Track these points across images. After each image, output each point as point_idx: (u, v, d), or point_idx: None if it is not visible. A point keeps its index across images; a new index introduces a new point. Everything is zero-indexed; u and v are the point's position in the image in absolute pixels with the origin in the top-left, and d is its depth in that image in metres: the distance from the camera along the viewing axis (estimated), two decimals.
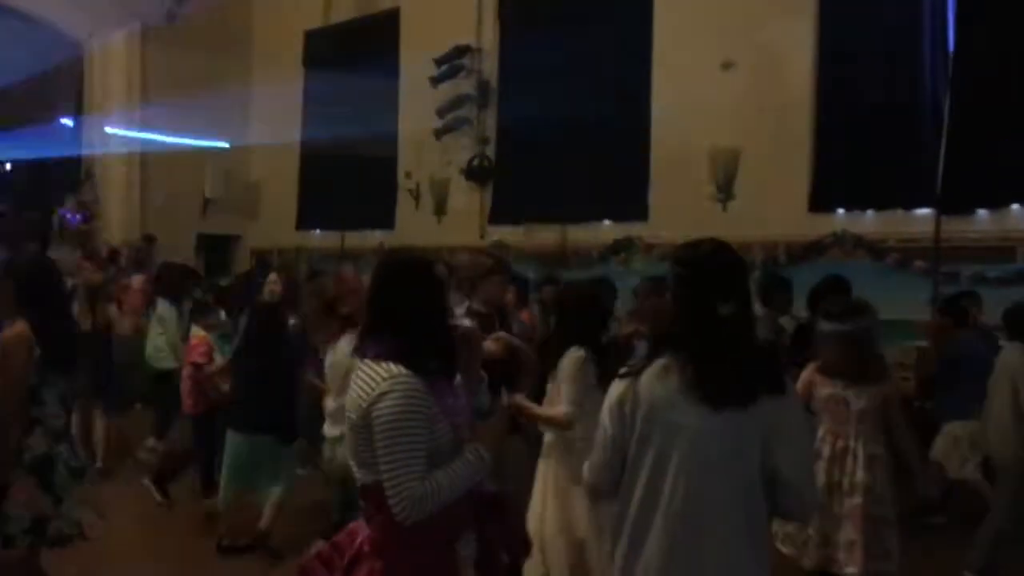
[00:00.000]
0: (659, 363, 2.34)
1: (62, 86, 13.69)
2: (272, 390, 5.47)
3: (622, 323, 6.45)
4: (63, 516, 3.59)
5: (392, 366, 2.31)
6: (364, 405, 2.30)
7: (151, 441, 7.73)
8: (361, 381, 2.34)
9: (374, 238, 12.81)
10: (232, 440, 5.50)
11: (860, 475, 3.97)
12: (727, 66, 9.41)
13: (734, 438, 2.27)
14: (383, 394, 2.28)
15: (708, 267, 2.36)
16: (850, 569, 3.94)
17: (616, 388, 2.41)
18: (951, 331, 6.70)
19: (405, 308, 2.41)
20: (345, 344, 4.60)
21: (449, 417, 2.37)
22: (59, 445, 3.62)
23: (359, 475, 2.36)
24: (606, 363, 3.87)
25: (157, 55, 13.38)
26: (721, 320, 2.30)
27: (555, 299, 4.92)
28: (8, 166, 12.95)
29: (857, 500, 3.95)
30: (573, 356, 3.87)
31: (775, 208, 9.09)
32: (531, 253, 11.13)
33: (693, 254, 2.41)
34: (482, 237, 11.80)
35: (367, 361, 2.37)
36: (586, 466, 2.49)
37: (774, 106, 9.19)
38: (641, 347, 5.68)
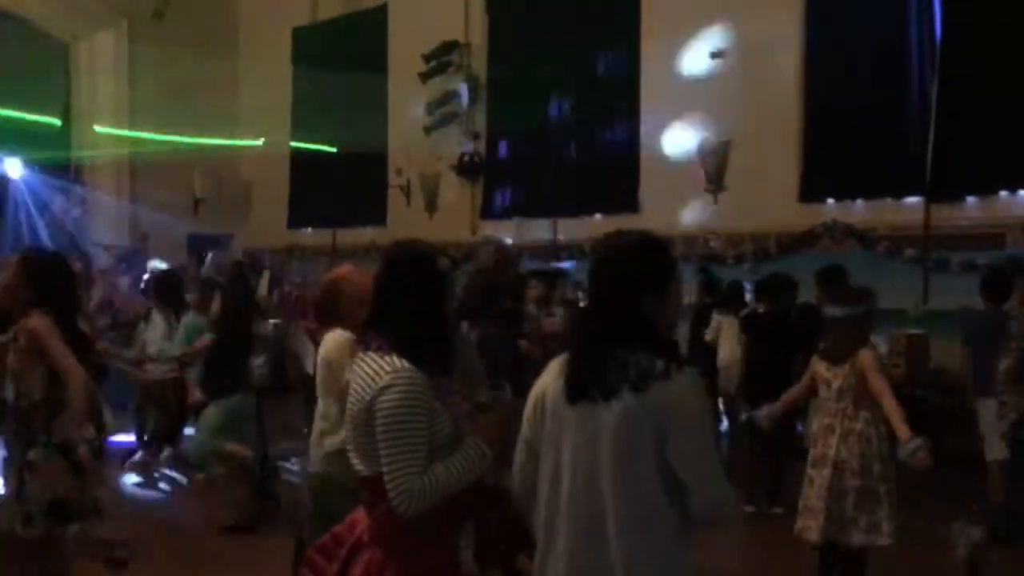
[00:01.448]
0: (560, 360, 2.31)
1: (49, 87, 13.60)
2: None
3: None
4: (85, 495, 3.73)
5: (395, 359, 2.32)
6: (367, 398, 2.31)
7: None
8: (363, 373, 2.35)
9: (366, 235, 12.80)
10: None
11: (833, 450, 4.23)
12: (716, 56, 9.44)
13: (625, 434, 2.13)
14: (386, 387, 2.28)
15: (604, 262, 2.31)
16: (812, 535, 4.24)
17: (534, 388, 2.37)
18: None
19: (407, 302, 2.41)
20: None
21: (449, 411, 2.38)
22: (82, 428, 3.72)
23: (360, 466, 2.37)
24: None
25: (144, 54, 13.30)
26: (603, 314, 2.25)
27: None
28: None
29: (826, 472, 4.22)
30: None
31: (766, 199, 9.13)
32: (523, 248, 11.15)
33: (596, 249, 2.40)
34: (473, 233, 11.80)
35: (370, 354, 2.37)
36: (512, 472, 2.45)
37: (763, 96, 9.22)
38: None
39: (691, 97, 9.50)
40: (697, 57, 9.57)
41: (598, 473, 2.16)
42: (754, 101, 9.23)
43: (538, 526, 2.29)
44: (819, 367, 4.40)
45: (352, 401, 2.36)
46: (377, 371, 2.32)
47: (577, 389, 2.20)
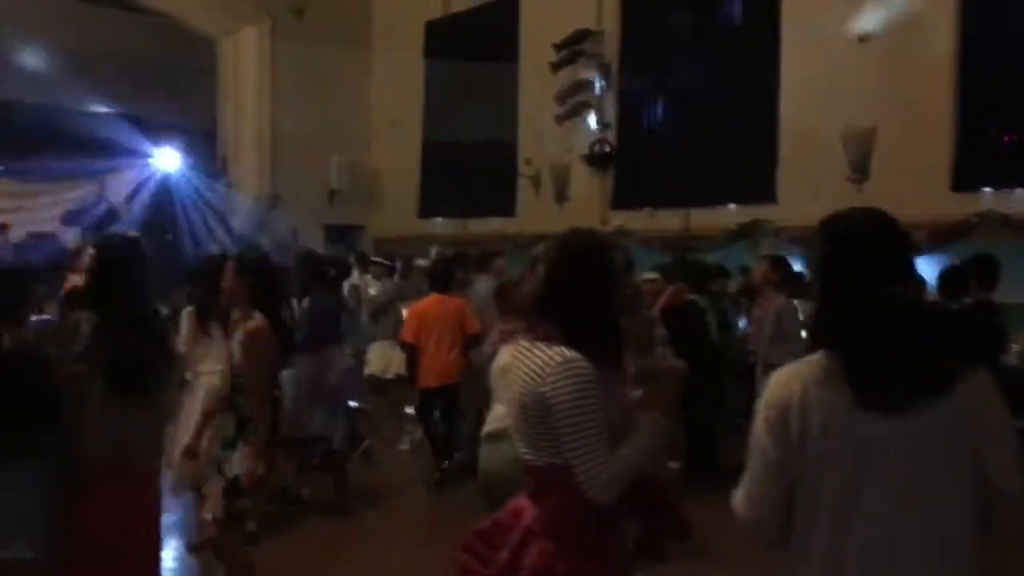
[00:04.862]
0: (815, 363, 1.93)
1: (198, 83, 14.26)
2: None
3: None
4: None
5: (564, 350, 2.28)
6: (539, 389, 2.28)
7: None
8: (532, 363, 2.31)
9: (494, 225, 12.91)
10: None
11: None
12: (862, 40, 9.05)
13: (944, 444, 1.86)
14: (559, 378, 2.25)
15: (865, 241, 1.94)
16: None
17: (773, 397, 1.96)
18: None
19: (577, 292, 2.36)
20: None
21: (617, 402, 2.33)
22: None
23: (527, 455, 2.35)
24: None
25: (285, 49, 13.83)
26: (887, 307, 1.88)
27: None
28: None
29: None
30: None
31: (915, 188, 8.67)
32: (654, 238, 11.02)
33: (844, 226, 1.98)
34: (603, 223, 11.72)
35: (537, 343, 2.34)
36: (740, 501, 2.03)
37: (913, 80, 8.79)
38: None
39: (834, 82, 9.14)
40: (841, 41, 9.19)
41: (915, 499, 1.87)
42: (903, 85, 8.81)
43: (801, 554, 1.94)
44: None
45: (522, 391, 2.32)
46: (547, 361, 2.28)
47: (878, 397, 1.86)
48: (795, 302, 7.46)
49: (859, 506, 1.88)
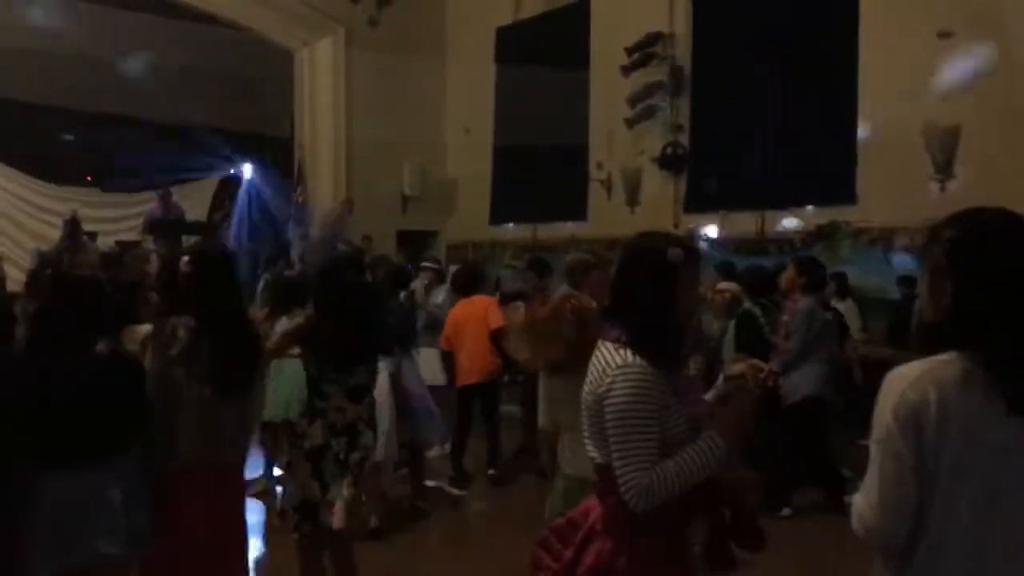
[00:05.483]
0: (951, 364, 1.83)
1: (274, 94, 14.62)
2: None
3: None
4: (327, 504, 3.88)
5: (628, 354, 2.31)
6: (599, 390, 2.32)
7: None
8: (598, 363, 2.37)
9: (566, 230, 12.89)
10: None
11: None
12: (944, 35, 8.78)
13: None
14: (615, 381, 2.29)
15: (1004, 242, 1.85)
16: None
17: (905, 399, 1.83)
18: None
19: (637, 295, 2.40)
20: None
21: (686, 408, 2.33)
22: (337, 438, 3.93)
23: (593, 454, 2.39)
24: None
25: (359, 59, 14.04)
26: None
27: None
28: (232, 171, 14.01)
29: None
30: None
31: (1002, 187, 8.26)
32: (728, 241, 10.87)
33: (979, 226, 1.89)
34: (676, 226, 11.60)
35: (608, 343, 2.38)
36: (869, 509, 1.89)
37: (998, 77, 8.48)
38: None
39: (915, 79, 8.88)
40: (922, 36, 8.93)
41: None
42: (987, 82, 8.50)
43: (933, 561, 1.86)
44: None
45: (587, 390, 2.38)
46: (609, 363, 2.32)
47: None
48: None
49: (1002, 512, 1.81)
